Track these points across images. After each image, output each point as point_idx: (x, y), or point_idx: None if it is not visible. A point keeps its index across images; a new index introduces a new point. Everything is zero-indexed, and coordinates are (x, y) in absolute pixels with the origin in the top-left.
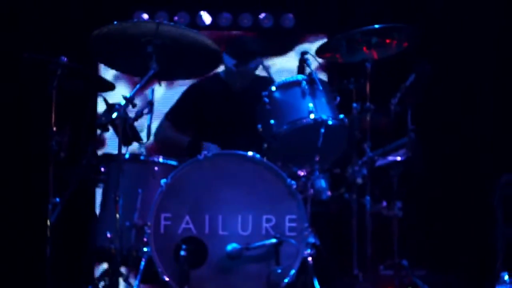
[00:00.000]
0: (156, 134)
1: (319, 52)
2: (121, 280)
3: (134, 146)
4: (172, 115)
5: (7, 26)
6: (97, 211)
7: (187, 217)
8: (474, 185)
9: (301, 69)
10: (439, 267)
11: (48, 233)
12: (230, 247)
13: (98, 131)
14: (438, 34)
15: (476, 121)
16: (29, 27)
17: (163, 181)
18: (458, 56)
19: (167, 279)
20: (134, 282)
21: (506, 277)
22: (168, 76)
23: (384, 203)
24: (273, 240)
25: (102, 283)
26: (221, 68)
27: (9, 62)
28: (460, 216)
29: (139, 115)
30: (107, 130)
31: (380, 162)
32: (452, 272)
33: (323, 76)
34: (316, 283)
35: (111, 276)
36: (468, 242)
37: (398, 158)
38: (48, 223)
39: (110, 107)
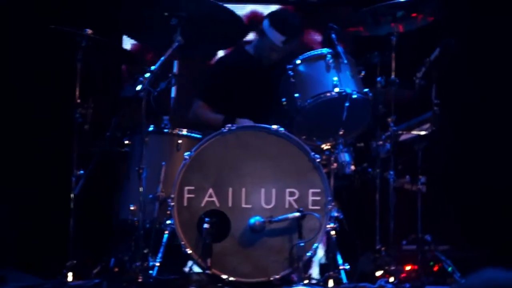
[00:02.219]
0: (191, 115)
1: (345, 25)
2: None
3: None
4: (204, 94)
5: None
6: (121, 183)
7: (211, 190)
8: (499, 159)
9: (326, 43)
10: (463, 242)
11: (71, 205)
12: (253, 220)
13: (122, 103)
14: (464, 8)
15: (500, 95)
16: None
17: (187, 153)
18: (483, 30)
19: (189, 251)
20: (157, 254)
21: None
22: (192, 49)
23: (408, 178)
24: (296, 214)
25: (124, 256)
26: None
27: (35, 34)
28: (484, 190)
29: (163, 87)
30: (131, 102)
31: (404, 136)
32: (475, 248)
33: (347, 50)
34: (338, 257)
35: (134, 248)
36: (491, 217)
37: (422, 133)
38: (72, 195)
39: (134, 80)
